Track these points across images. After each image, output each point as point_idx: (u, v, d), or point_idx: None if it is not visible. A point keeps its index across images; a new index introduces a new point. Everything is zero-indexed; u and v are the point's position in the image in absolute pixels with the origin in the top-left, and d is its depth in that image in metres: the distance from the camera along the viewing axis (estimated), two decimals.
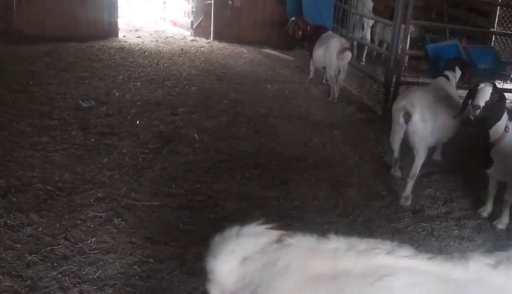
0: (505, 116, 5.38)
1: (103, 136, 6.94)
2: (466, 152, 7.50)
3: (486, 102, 5.24)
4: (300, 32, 10.89)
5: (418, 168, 6.19)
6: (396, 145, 6.44)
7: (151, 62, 11.14)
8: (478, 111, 5.25)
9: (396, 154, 6.57)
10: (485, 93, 5.26)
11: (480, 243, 5.33)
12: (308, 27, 10.84)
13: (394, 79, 9.27)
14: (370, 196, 6.12)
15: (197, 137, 7.23)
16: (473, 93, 5.40)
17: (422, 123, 6.09)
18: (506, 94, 10.24)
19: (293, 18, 11.24)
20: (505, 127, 5.36)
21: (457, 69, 7.27)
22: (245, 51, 13.42)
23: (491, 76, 10.23)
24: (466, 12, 14.30)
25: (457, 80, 7.30)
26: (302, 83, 10.85)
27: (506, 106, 5.59)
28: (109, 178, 5.82)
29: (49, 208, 5.07)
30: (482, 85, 5.34)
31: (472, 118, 5.38)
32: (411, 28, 11.19)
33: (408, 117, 6.07)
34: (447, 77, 7.18)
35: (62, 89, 8.59)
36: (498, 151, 5.39)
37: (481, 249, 5.21)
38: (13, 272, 4.12)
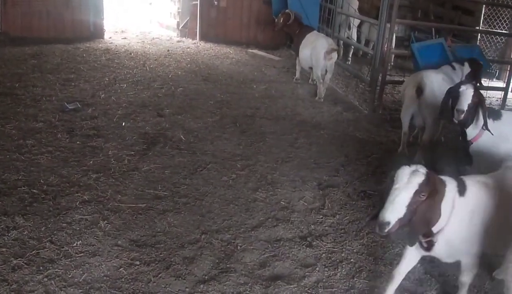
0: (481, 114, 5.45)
1: (89, 138, 6.92)
2: (451, 150, 7.57)
3: (469, 105, 5.30)
4: (281, 21, 11.00)
5: (429, 136, 7.10)
6: (406, 119, 7.24)
7: (137, 63, 11.11)
8: (462, 116, 5.31)
9: (405, 128, 7.32)
10: (467, 97, 5.31)
11: None
12: (290, 18, 10.91)
13: (380, 78, 9.32)
14: (357, 195, 6.14)
15: (183, 138, 7.23)
16: (453, 95, 5.44)
17: (432, 96, 6.78)
18: (491, 92, 10.47)
19: (286, 10, 11.31)
20: (483, 125, 5.42)
21: (466, 64, 7.70)
22: (231, 52, 13.43)
23: None
24: (451, 10, 14.37)
25: (463, 75, 7.64)
26: (289, 83, 10.88)
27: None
28: (95, 180, 5.81)
29: (35, 211, 5.05)
30: (463, 87, 5.37)
31: (456, 121, 5.40)
32: (396, 27, 11.24)
33: (420, 91, 6.85)
34: (453, 67, 7.69)
35: (48, 91, 8.55)
36: (477, 148, 5.44)
37: None
38: None
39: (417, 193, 3.51)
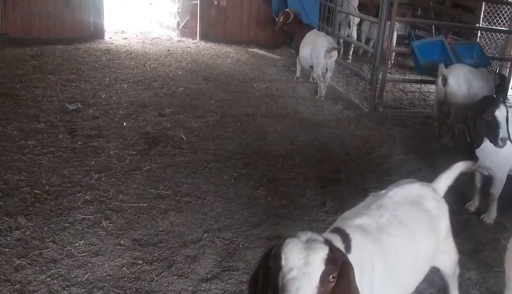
0: None
1: (90, 138, 6.93)
2: (453, 149, 7.58)
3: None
4: (281, 20, 11.04)
5: (454, 121, 8.02)
6: (437, 107, 8.31)
7: (138, 63, 11.12)
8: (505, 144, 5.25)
9: (436, 115, 8.45)
10: (505, 120, 5.22)
11: (468, 237, 5.36)
12: (289, 17, 10.95)
13: (380, 76, 9.31)
14: (358, 193, 6.13)
15: (184, 137, 7.23)
16: (489, 119, 5.24)
17: (456, 85, 7.68)
18: None
19: (286, 9, 11.34)
20: None
21: (498, 77, 8.47)
22: (231, 51, 13.43)
23: None
24: (451, 8, 14.37)
25: (494, 84, 8.19)
26: (289, 82, 10.88)
27: None
28: (97, 180, 5.82)
29: (37, 212, 5.07)
30: (498, 112, 5.21)
31: (499, 148, 5.30)
32: (397, 24, 11.23)
33: (445, 80, 7.73)
34: (488, 71, 8.31)
35: (49, 92, 8.57)
36: (484, 148, 5.44)
37: (469, 243, 5.24)
38: (2, 277, 4.11)
39: (324, 277, 2.23)
